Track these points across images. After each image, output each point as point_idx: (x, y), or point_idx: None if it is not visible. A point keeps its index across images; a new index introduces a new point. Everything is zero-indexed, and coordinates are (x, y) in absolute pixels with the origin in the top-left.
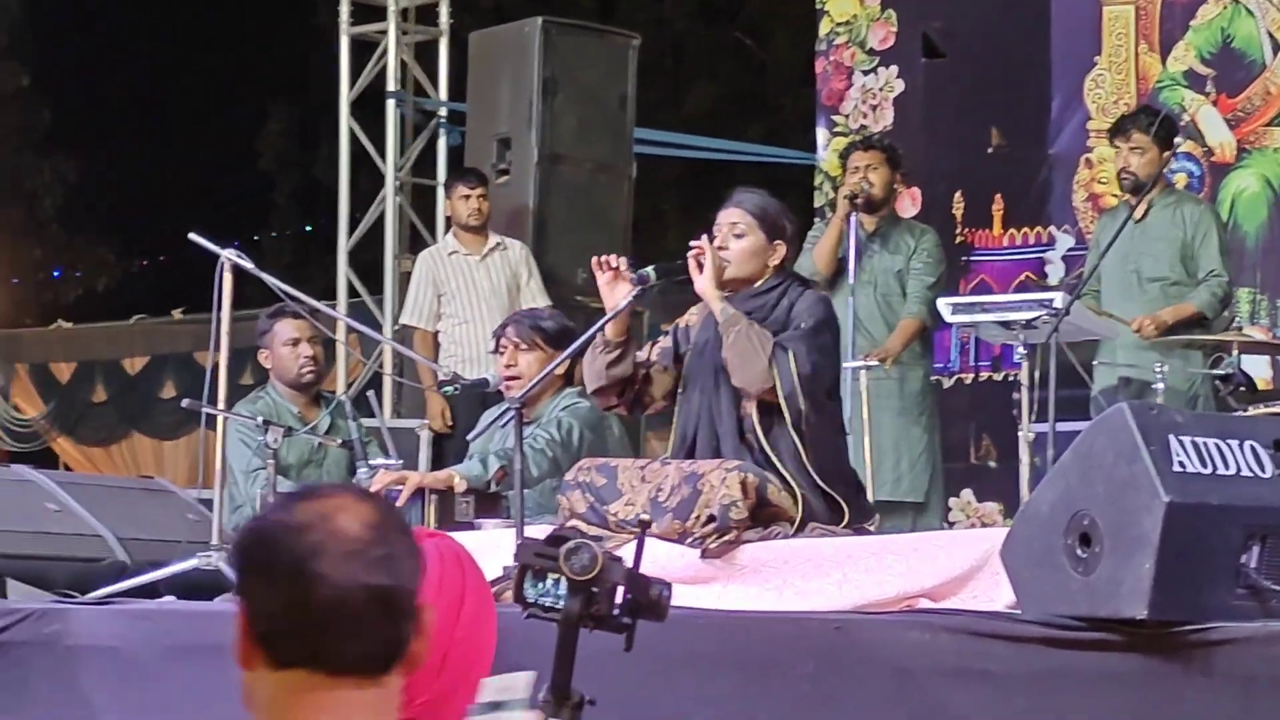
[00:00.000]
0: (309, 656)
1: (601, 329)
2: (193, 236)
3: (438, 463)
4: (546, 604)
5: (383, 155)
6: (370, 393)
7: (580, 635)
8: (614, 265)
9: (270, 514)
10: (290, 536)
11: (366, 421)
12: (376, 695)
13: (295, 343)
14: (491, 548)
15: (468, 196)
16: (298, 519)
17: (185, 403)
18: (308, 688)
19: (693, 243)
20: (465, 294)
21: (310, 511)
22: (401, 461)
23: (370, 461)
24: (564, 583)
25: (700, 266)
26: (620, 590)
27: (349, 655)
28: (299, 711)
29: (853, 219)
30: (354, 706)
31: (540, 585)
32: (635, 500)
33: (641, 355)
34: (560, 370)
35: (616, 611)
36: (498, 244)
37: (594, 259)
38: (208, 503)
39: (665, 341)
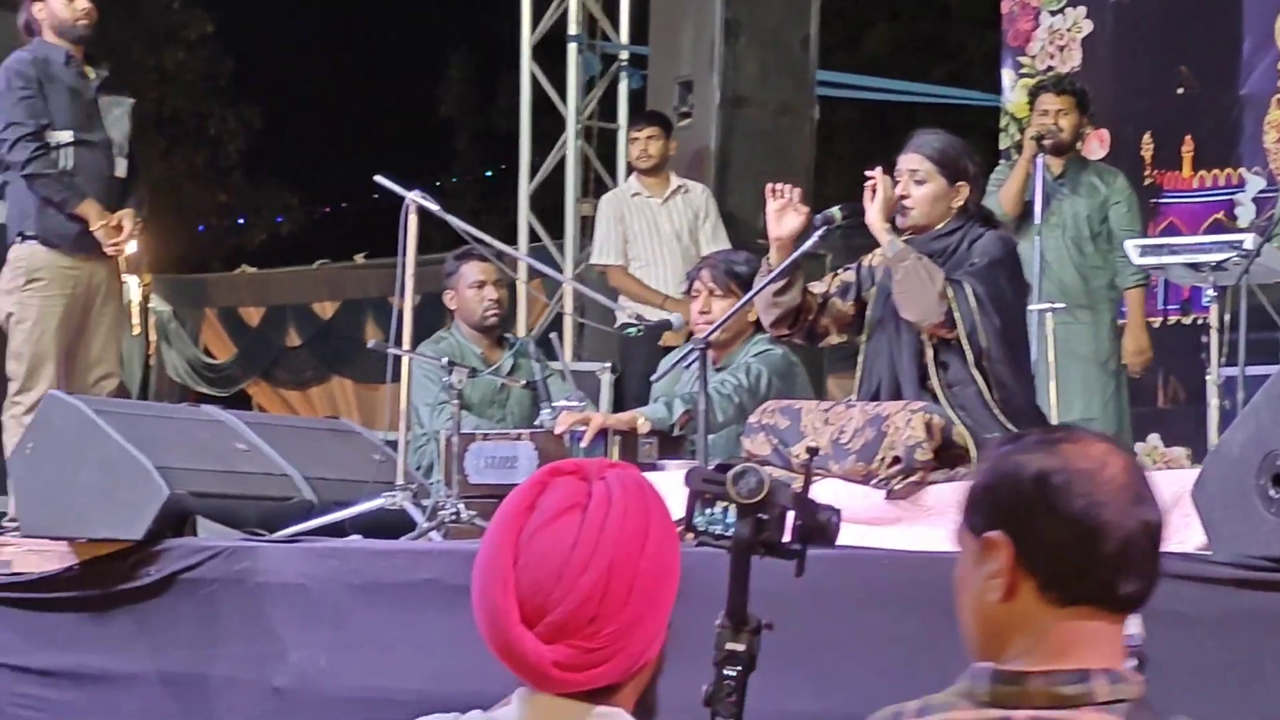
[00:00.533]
0: (1096, 595)
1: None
2: (379, 179)
3: (618, 405)
4: (716, 531)
5: (564, 99)
6: (553, 335)
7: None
8: (785, 194)
9: (1031, 457)
10: (1074, 480)
11: (549, 365)
12: (1120, 629)
13: (480, 285)
14: (675, 488)
15: (650, 138)
16: (1073, 463)
17: (371, 344)
18: (1089, 621)
19: (867, 173)
20: (647, 236)
21: (1079, 455)
22: (586, 402)
23: (554, 402)
24: (733, 509)
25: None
26: (790, 516)
27: (1130, 592)
28: (1080, 648)
29: (1039, 161)
30: (1117, 641)
31: (709, 512)
32: (818, 442)
33: (819, 287)
34: (751, 316)
35: (786, 537)
36: (679, 187)
37: (768, 185)
38: (393, 444)
39: (848, 275)
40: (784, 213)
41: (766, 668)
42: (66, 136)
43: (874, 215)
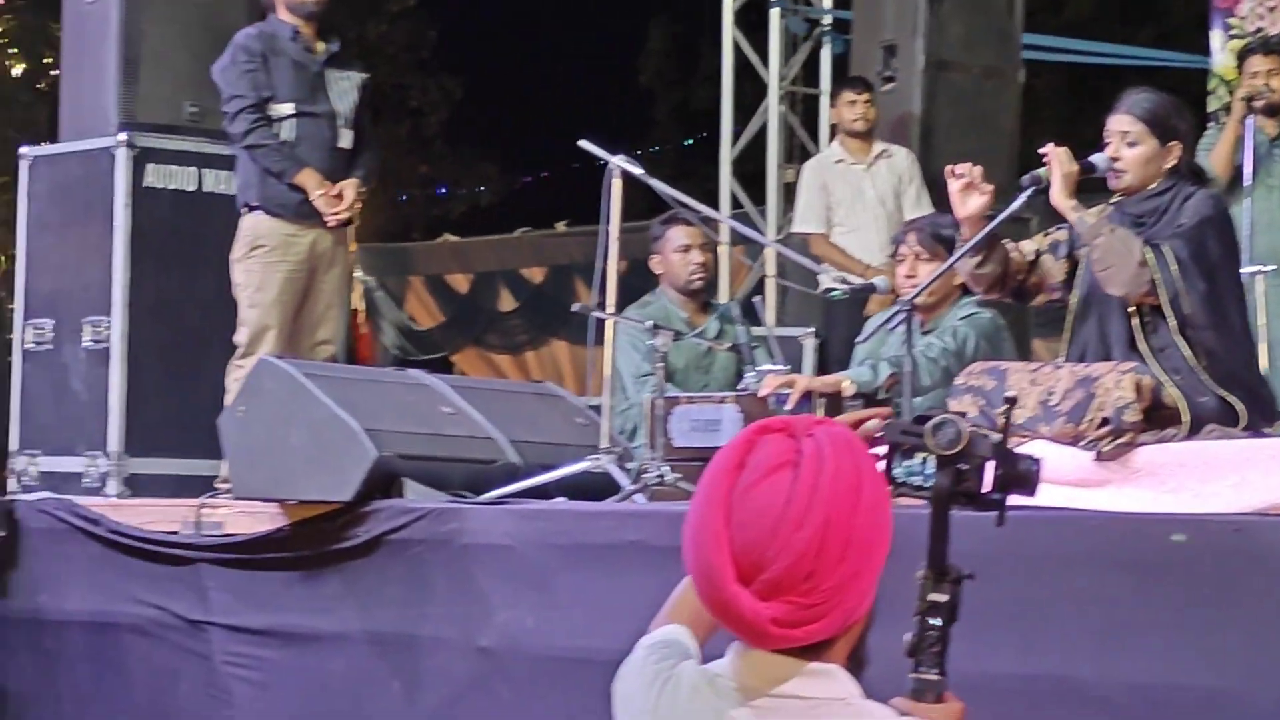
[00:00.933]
0: None
1: (985, 235)
2: (583, 143)
3: (821, 371)
4: (915, 483)
5: (766, 65)
6: (757, 299)
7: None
8: (966, 174)
9: None
10: None
11: (753, 330)
12: None
13: (686, 249)
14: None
15: (854, 102)
16: None
17: (575, 307)
18: None
19: (1041, 151)
20: (851, 202)
21: None
22: (789, 365)
23: (758, 366)
24: (931, 460)
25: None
26: (989, 466)
27: None
28: None
29: (1249, 123)
30: None
31: (908, 464)
32: (1026, 403)
33: (1030, 245)
34: (958, 280)
35: (986, 488)
36: (883, 151)
37: (947, 168)
38: (597, 409)
39: (1059, 234)
40: (967, 193)
41: (971, 629)
42: (288, 109)
43: (1057, 194)
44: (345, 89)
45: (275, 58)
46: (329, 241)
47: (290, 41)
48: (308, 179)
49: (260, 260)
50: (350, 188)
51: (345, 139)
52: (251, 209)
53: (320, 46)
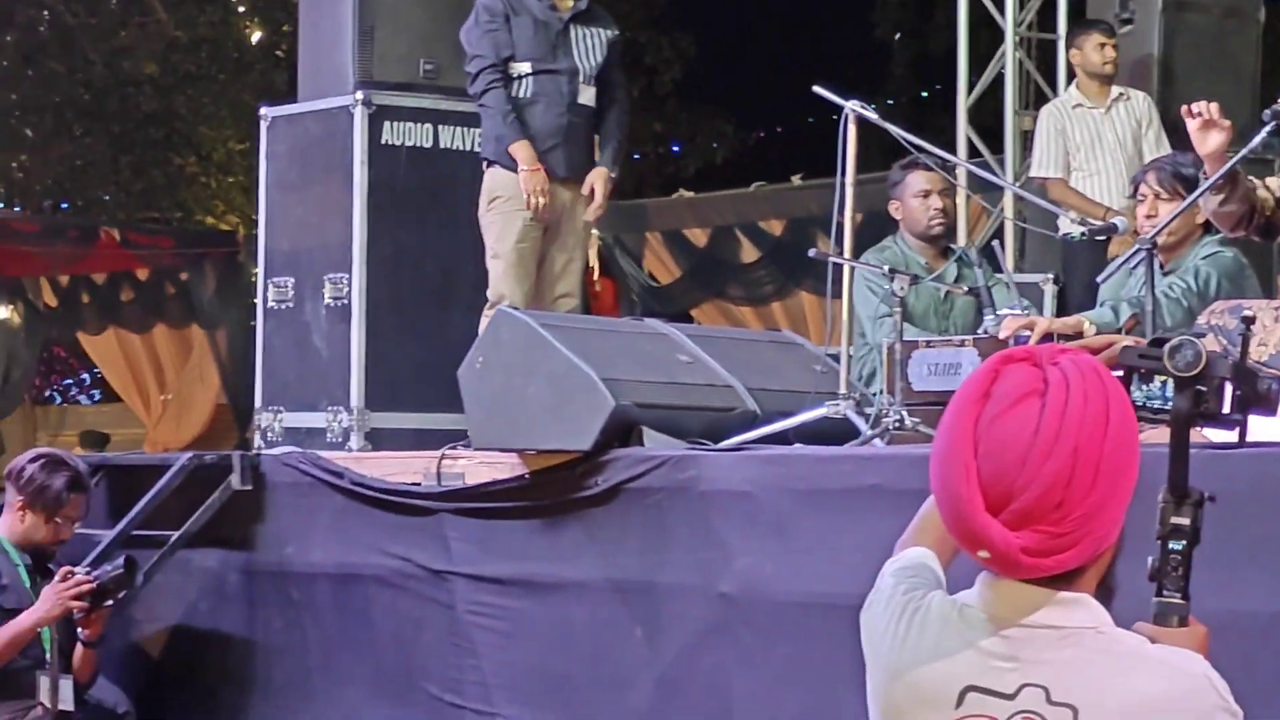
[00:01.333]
0: None
1: (1226, 172)
2: (818, 89)
3: (1061, 315)
4: (1154, 406)
5: (1001, 12)
6: (995, 244)
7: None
8: (1204, 111)
9: None
10: None
11: (993, 273)
12: None
13: (925, 194)
14: None
15: (1104, 45)
16: None
17: (812, 252)
18: None
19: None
20: (1090, 147)
21: None
22: (1030, 309)
23: (997, 310)
24: (1170, 383)
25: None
26: (1228, 386)
27: None
28: None
29: None
30: None
31: (1147, 388)
32: (1268, 341)
33: (1276, 182)
34: (1199, 218)
35: (1226, 408)
36: (1121, 95)
37: (1183, 106)
38: (835, 356)
39: None
40: (1205, 130)
41: (1218, 567)
42: (525, 67)
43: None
44: (591, 45)
45: (517, 16)
46: (566, 196)
47: (536, 1)
48: (519, 151)
49: (499, 212)
50: (600, 180)
51: (585, 95)
52: (490, 164)
53: (568, 3)
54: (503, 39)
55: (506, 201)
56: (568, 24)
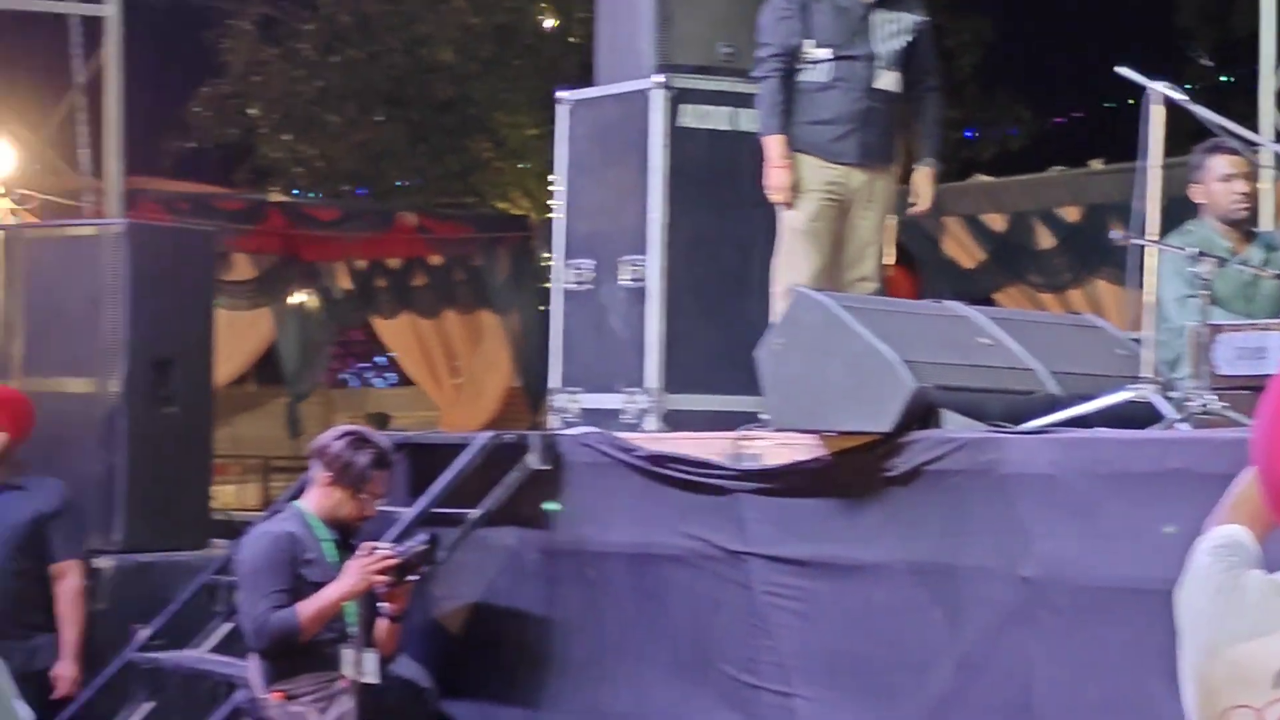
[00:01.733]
0: None
1: None
2: (1121, 70)
3: None
4: None
5: None
6: None
7: None
8: None
9: None
10: None
11: None
12: None
13: (1229, 178)
14: None
15: None
16: None
17: (1113, 235)
18: None
19: None
20: None
21: None
22: None
23: None
24: None
25: None
26: None
27: None
28: None
29: None
30: None
31: None
32: None
33: None
34: None
35: None
36: None
37: None
38: (1139, 341)
39: None
40: None
41: None
42: (825, 53)
43: None
44: (892, 31)
45: (816, 3)
46: (861, 179)
47: None
48: (773, 145)
49: (799, 196)
50: (924, 180)
51: (884, 80)
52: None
53: None
54: (795, 27)
55: (803, 184)
56: (869, 10)
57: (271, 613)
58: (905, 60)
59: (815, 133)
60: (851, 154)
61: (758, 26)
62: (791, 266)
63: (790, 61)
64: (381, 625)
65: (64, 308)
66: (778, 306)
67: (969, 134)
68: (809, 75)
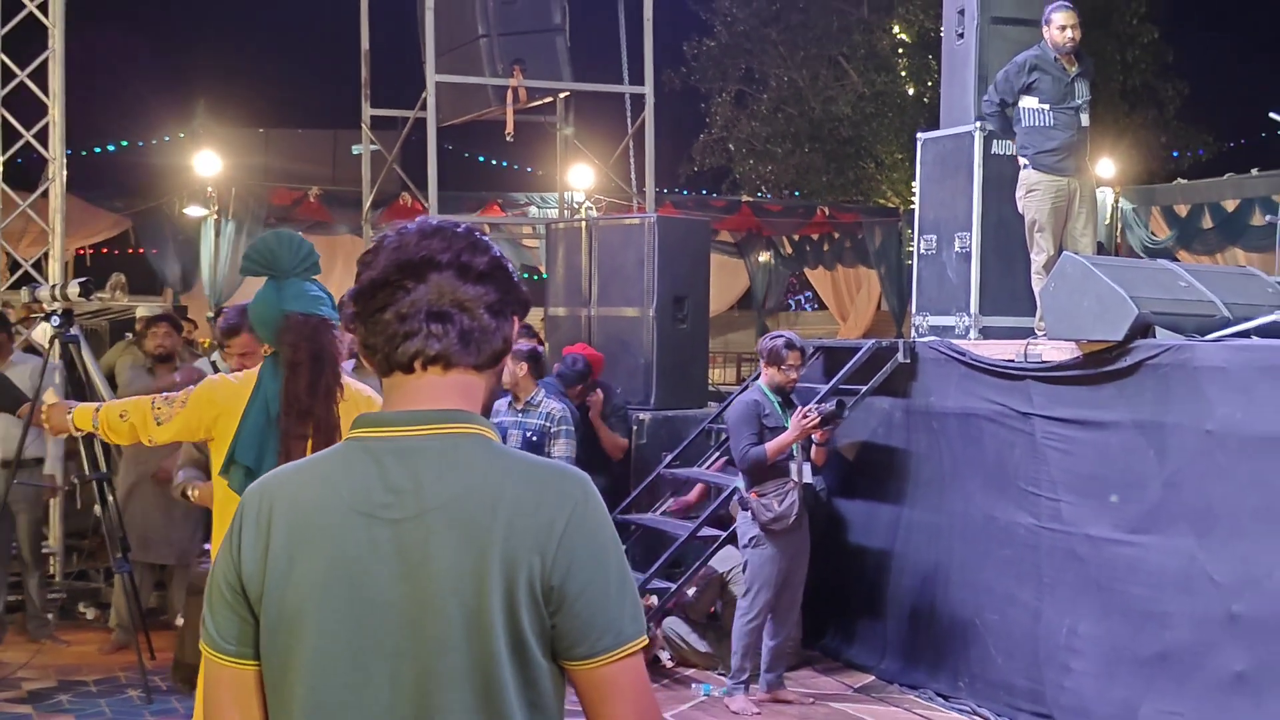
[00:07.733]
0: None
1: None
2: (1272, 114)
3: None
4: None
5: None
6: None
7: None
8: None
9: None
10: None
11: None
12: None
13: None
14: None
15: None
16: None
17: (1268, 218)
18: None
19: None
20: None
21: None
22: None
23: None
24: None
25: None
26: None
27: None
28: None
29: None
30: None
31: None
32: None
33: None
34: None
35: None
36: None
37: None
38: None
39: None
40: None
41: None
42: (1045, 106)
43: None
44: (1084, 88)
45: (1043, 74)
46: (1075, 186)
47: (1052, 63)
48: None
49: (1034, 199)
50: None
51: (1082, 120)
52: (1025, 164)
53: (1073, 68)
54: (1017, 83)
55: (1035, 188)
56: (1073, 79)
57: (750, 449)
58: (1091, 106)
59: (1042, 156)
60: (1069, 169)
61: (996, 80)
62: (1041, 240)
63: (1004, 106)
64: (814, 450)
65: (621, 265)
66: (1035, 262)
67: (1175, 154)
68: (1033, 120)
